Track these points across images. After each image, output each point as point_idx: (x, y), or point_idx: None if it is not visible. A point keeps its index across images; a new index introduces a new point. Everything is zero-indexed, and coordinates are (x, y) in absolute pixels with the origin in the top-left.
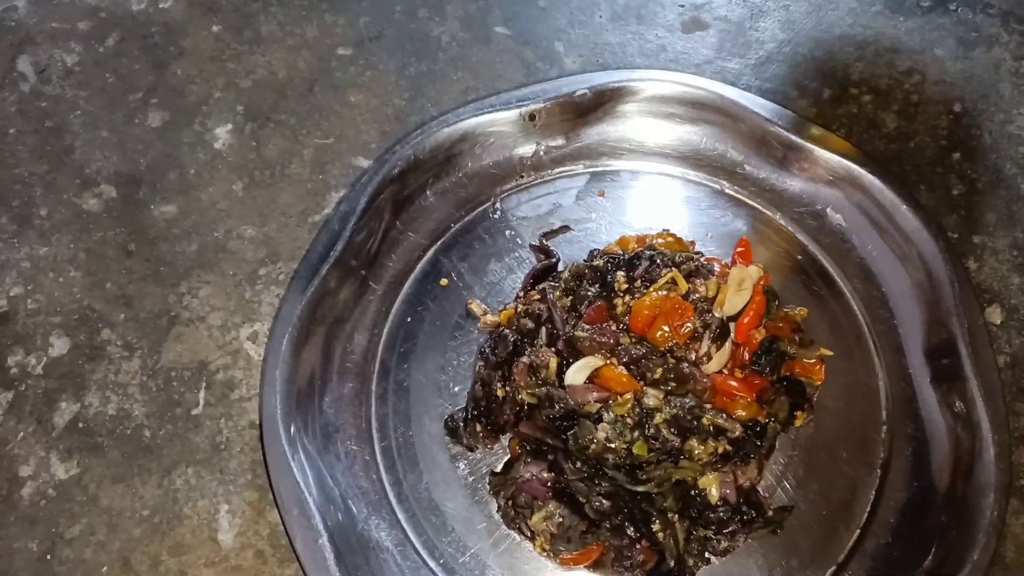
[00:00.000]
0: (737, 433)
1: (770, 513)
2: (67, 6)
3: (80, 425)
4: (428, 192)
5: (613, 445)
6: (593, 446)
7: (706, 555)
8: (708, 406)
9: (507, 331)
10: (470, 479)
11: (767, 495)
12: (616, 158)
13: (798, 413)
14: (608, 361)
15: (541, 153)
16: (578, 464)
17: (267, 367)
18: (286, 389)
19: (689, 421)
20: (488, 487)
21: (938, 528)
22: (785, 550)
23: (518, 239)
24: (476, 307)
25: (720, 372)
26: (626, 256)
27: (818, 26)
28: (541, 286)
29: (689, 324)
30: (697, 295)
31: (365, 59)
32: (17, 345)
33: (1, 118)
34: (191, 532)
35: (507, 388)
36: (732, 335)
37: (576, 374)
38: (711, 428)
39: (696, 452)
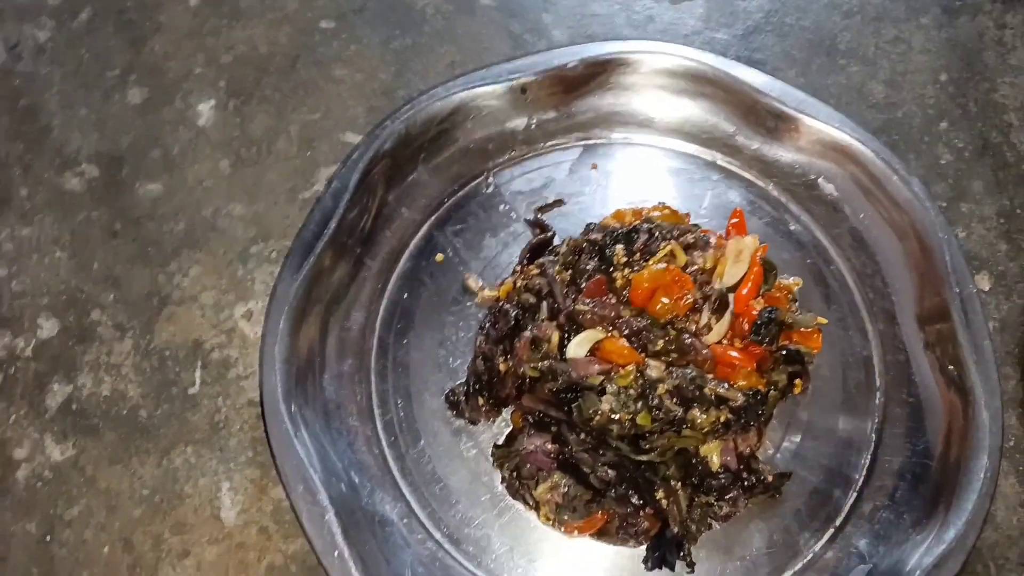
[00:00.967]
0: (739, 402)
1: (769, 479)
2: None
3: (74, 407)
4: (420, 167)
5: (617, 416)
6: (597, 417)
7: (708, 521)
8: (710, 376)
9: (508, 306)
10: (472, 452)
11: (766, 462)
12: (608, 131)
13: (797, 381)
14: (609, 334)
15: (533, 126)
16: (582, 435)
17: (265, 346)
18: (286, 367)
19: (691, 391)
20: (491, 459)
21: (933, 490)
22: (784, 514)
23: (512, 213)
24: (473, 282)
25: (720, 343)
26: (624, 229)
27: None
28: (540, 260)
29: (689, 296)
30: (695, 267)
31: (348, 32)
32: (4, 327)
33: None
34: (193, 511)
35: (509, 362)
36: (731, 306)
37: (578, 347)
38: (713, 398)
39: (698, 421)
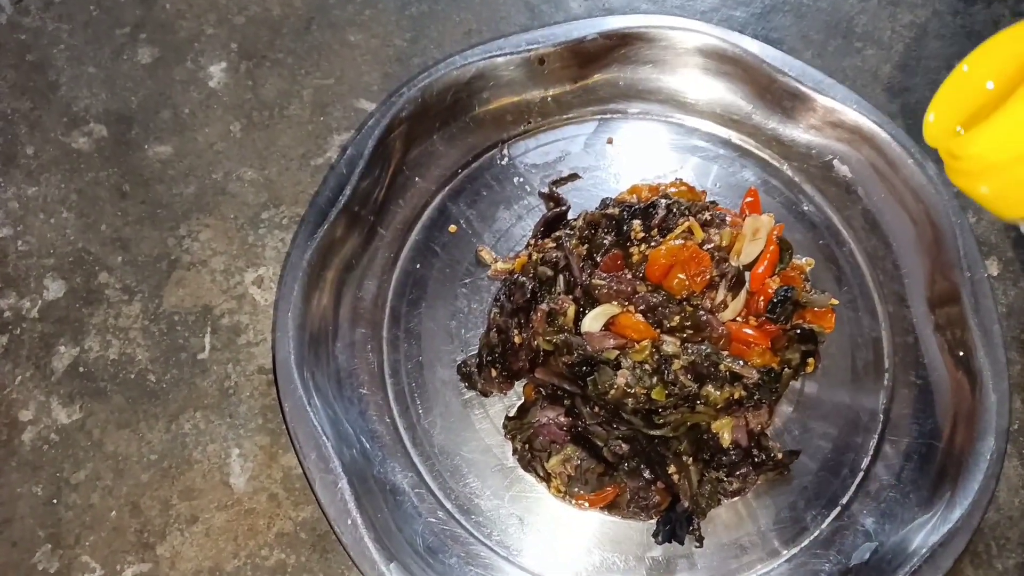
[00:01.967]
0: (753, 379)
1: (779, 456)
2: None
3: (81, 369)
4: (435, 136)
5: (633, 390)
6: (613, 391)
7: (718, 496)
8: (724, 353)
9: (524, 278)
10: (484, 424)
11: (775, 440)
12: (624, 105)
13: (810, 360)
14: (625, 309)
15: (549, 99)
16: (596, 408)
17: (279, 311)
18: (299, 334)
19: (706, 367)
20: (503, 431)
21: (939, 470)
22: (792, 491)
23: (527, 186)
24: (486, 254)
25: (735, 320)
26: (642, 205)
27: None
28: (556, 234)
29: (706, 273)
30: (712, 244)
31: None
32: (9, 288)
33: None
34: (202, 476)
35: (524, 334)
36: (747, 284)
37: (593, 321)
38: (727, 374)
39: (712, 397)
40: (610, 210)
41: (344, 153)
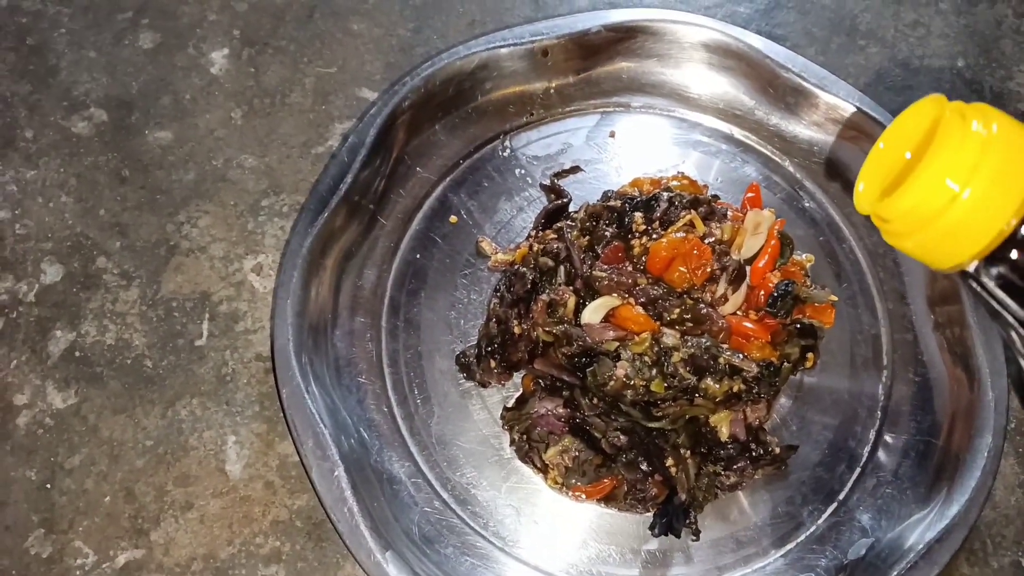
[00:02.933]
0: (753, 372)
1: (777, 451)
2: None
3: (77, 354)
4: (437, 126)
5: (632, 382)
6: (612, 383)
7: (715, 490)
8: (724, 346)
9: (524, 269)
10: (481, 414)
11: (773, 434)
12: (627, 99)
13: (809, 355)
14: (625, 301)
15: (552, 91)
16: (594, 400)
17: (277, 298)
18: (298, 321)
19: (706, 360)
20: (500, 422)
21: (936, 467)
22: (789, 486)
23: (528, 178)
24: (487, 245)
25: (735, 314)
26: (644, 197)
27: None
28: (558, 225)
29: (707, 266)
30: (713, 238)
31: None
32: (6, 271)
33: None
34: (197, 463)
35: (524, 325)
36: (748, 278)
37: (593, 313)
38: (727, 368)
39: (711, 390)
40: (612, 202)
41: (345, 142)
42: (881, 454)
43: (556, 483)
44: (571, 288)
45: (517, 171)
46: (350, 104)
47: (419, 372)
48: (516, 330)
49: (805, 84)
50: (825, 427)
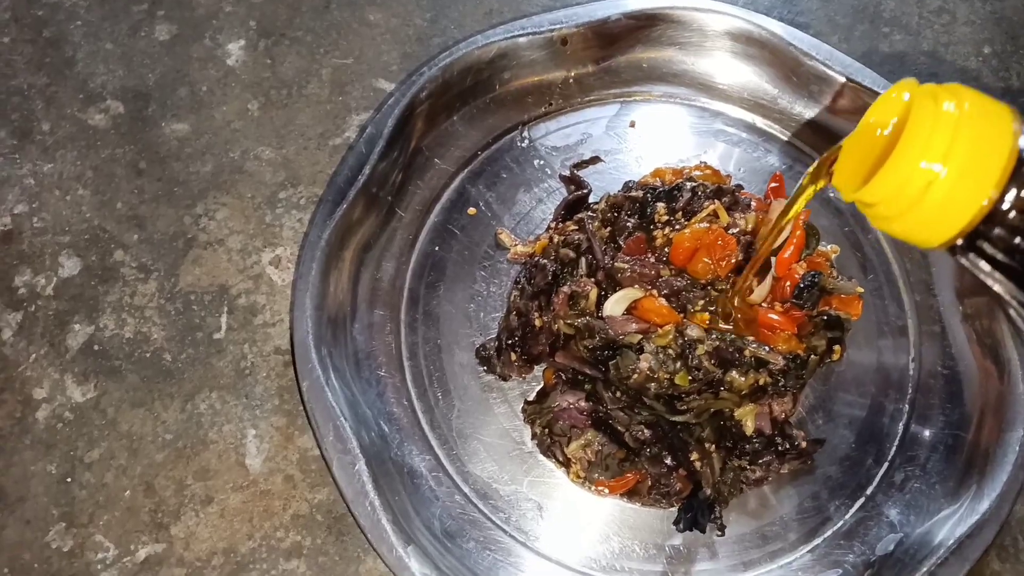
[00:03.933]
0: (779, 365)
1: (803, 445)
2: None
3: (96, 348)
4: (455, 117)
5: (656, 375)
6: (635, 376)
7: (740, 484)
8: (750, 338)
9: (545, 260)
10: (502, 408)
11: (799, 428)
12: (647, 88)
13: (836, 348)
14: (648, 292)
15: (571, 80)
16: (617, 393)
17: (297, 291)
18: (317, 314)
19: (731, 353)
20: (521, 415)
21: (966, 461)
22: (816, 481)
23: (547, 169)
24: (506, 237)
25: (761, 305)
26: (666, 187)
27: None
28: (579, 216)
29: (732, 257)
30: (737, 228)
31: None
32: (24, 265)
33: None
34: (217, 457)
35: (544, 317)
36: (773, 269)
37: (615, 305)
38: (752, 360)
39: (736, 383)
40: (634, 192)
41: (363, 133)
42: (909, 448)
43: (579, 477)
44: (593, 280)
45: (536, 162)
46: (367, 95)
47: (439, 365)
48: (537, 323)
49: (830, 72)
50: (852, 420)
